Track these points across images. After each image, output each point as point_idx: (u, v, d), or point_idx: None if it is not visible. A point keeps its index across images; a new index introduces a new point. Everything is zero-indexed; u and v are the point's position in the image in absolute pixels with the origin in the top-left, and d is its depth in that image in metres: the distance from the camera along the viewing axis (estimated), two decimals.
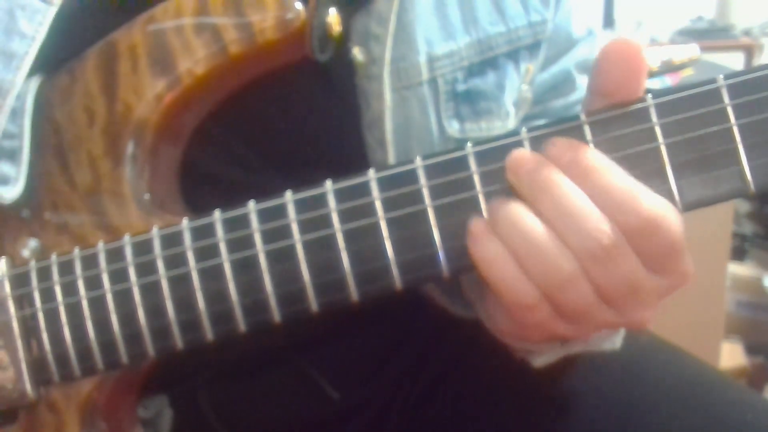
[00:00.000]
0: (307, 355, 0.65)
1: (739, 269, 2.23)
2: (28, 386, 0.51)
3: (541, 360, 0.58)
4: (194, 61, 0.50)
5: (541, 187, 0.42)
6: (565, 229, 0.42)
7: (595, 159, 0.42)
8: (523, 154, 0.43)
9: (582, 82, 0.73)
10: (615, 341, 0.60)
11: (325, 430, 0.68)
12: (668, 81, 1.80)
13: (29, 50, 0.53)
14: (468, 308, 0.61)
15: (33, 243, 0.53)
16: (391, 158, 0.58)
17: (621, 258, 0.42)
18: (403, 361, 0.70)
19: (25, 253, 0.53)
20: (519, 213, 0.42)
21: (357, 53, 0.57)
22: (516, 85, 0.65)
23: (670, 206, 0.42)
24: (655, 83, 1.77)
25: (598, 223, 0.41)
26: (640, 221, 0.41)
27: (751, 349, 2.06)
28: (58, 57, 0.54)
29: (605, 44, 0.42)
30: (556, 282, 0.42)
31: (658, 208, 0.41)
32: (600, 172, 0.42)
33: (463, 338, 0.70)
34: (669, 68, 1.78)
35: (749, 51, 3.17)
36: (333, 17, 0.53)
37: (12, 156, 0.53)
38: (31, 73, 0.53)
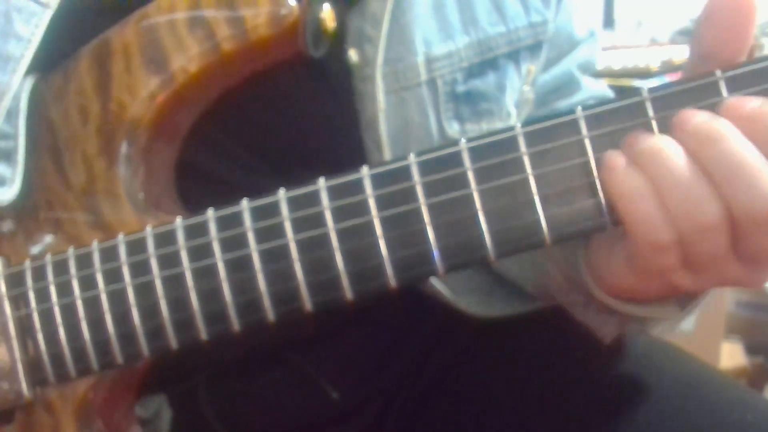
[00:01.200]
0: (306, 355, 0.64)
1: None
2: (24, 386, 0.51)
3: (610, 331, 0.57)
4: (187, 58, 0.50)
5: (709, 136, 0.40)
6: (729, 183, 0.39)
7: None
8: (692, 111, 0.41)
9: (585, 82, 0.73)
10: (690, 321, 0.59)
11: (325, 430, 0.68)
12: (668, 81, 1.80)
13: (25, 53, 0.53)
14: (481, 305, 0.61)
15: (42, 239, 0.52)
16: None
17: None
18: (403, 361, 0.70)
19: (29, 250, 0.52)
20: (668, 147, 0.40)
21: (352, 54, 0.57)
22: (517, 86, 0.65)
23: None
24: (655, 83, 1.77)
25: None
26: None
27: (751, 349, 2.05)
28: (54, 59, 0.54)
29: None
30: (697, 228, 0.40)
31: None
32: None
33: (463, 338, 0.70)
34: (669, 68, 1.78)
35: (749, 51, 3.16)
36: (327, 13, 0.53)
37: (7, 157, 0.53)
38: (27, 74, 0.53)
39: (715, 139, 0.39)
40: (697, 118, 0.40)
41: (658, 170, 0.40)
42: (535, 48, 0.66)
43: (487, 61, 0.63)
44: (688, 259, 0.42)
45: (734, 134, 0.39)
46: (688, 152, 0.40)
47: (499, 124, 0.64)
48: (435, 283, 0.63)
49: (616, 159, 0.41)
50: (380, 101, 0.57)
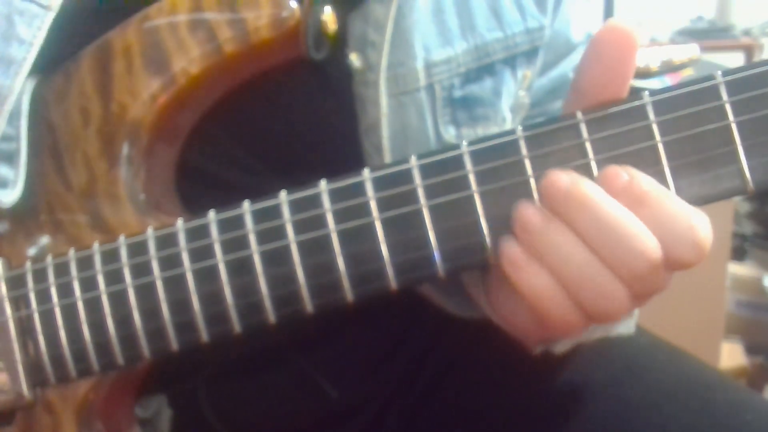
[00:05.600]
0: (306, 355, 0.64)
1: (739, 269, 2.23)
2: (24, 387, 0.51)
3: (561, 347, 0.59)
4: (189, 60, 0.50)
5: (578, 204, 0.41)
6: (607, 248, 0.41)
7: (650, 184, 0.41)
8: (556, 174, 0.42)
9: None
10: (630, 325, 0.61)
11: (325, 429, 0.68)
12: (668, 81, 1.80)
13: (27, 56, 0.52)
14: (465, 306, 0.61)
15: (43, 241, 0.53)
16: None
17: (662, 270, 0.41)
18: (403, 360, 0.70)
19: (30, 252, 0.52)
20: (564, 241, 0.41)
21: (354, 59, 0.57)
22: (513, 91, 0.65)
23: None
24: (655, 83, 1.77)
25: (647, 239, 0.40)
26: (696, 252, 0.41)
27: (751, 349, 2.06)
28: (56, 61, 0.54)
29: (597, 32, 0.42)
30: (609, 310, 0.42)
31: (710, 234, 0.41)
32: (656, 197, 0.41)
33: (463, 337, 0.70)
34: (669, 68, 1.78)
35: (749, 51, 3.17)
36: (328, 15, 0.53)
37: (10, 159, 0.53)
38: (29, 76, 0.53)
39: (583, 205, 0.41)
40: (563, 181, 0.41)
41: (559, 266, 0.42)
42: (531, 54, 0.66)
43: (484, 67, 0.63)
44: (593, 318, 0.44)
45: (598, 194, 0.41)
46: (566, 224, 0.41)
47: (494, 129, 0.64)
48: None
49: (515, 252, 0.42)
50: (383, 106, 0.57)
